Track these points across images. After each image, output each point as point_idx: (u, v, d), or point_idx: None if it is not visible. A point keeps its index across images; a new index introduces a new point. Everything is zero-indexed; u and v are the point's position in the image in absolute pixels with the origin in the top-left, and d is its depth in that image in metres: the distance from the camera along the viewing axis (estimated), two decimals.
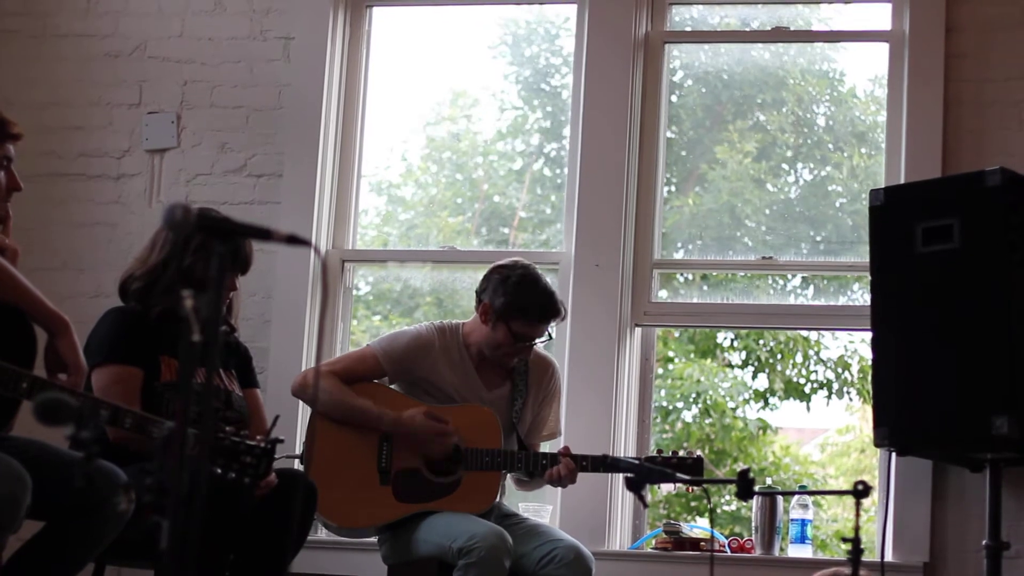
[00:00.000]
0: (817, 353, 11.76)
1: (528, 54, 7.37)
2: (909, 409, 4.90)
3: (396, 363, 4.89)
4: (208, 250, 4.32)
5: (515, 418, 4.91)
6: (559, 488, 4.94)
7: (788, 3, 5.96)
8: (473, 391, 4.92)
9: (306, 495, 4.39)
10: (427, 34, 6.34)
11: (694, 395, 11.35)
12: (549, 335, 4.92)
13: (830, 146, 6.27)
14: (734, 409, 11.64)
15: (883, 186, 5.39)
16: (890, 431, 4.92)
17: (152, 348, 4.32)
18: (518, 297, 4.82)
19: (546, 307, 4.84)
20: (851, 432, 12.96)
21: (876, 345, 5.02)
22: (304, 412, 5.47)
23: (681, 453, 4.88)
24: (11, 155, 3.96)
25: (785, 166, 6.49)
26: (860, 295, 6.11)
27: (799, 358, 11.79)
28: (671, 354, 11.26)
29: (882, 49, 5.76)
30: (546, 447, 5.10)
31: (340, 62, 5.96)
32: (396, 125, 6.62)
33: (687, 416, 11.55)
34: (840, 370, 11.75)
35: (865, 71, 6.32)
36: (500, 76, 7.53)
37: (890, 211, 5.03)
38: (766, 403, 11.83)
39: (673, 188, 6.00)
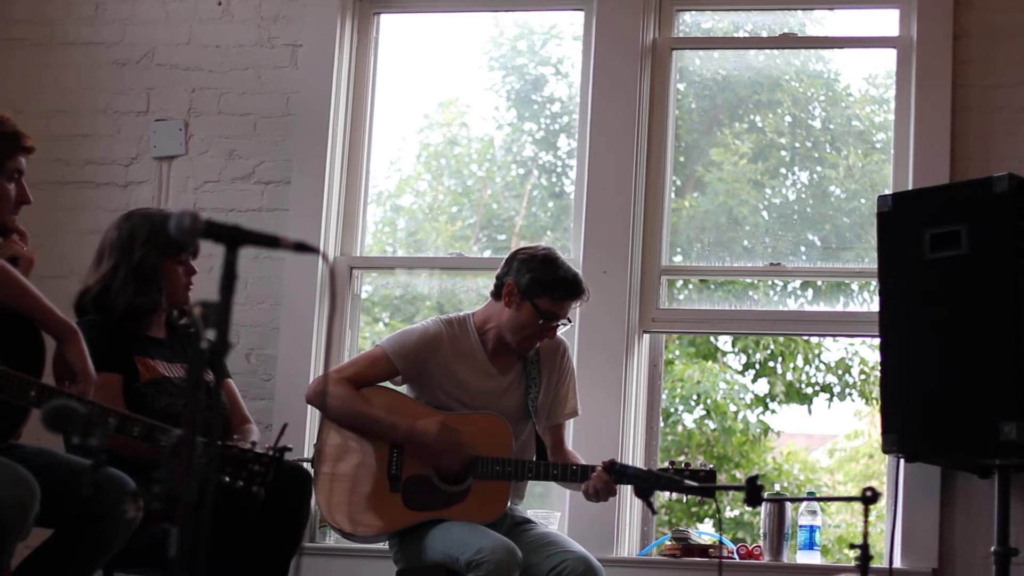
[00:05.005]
0: (818, 356, 11.75)
1: (530, 62, 7.38)
2: (918, 415, 4.90)
3: (407, 359, 4.87)
4: (154, 242, 4.36)
5: (531, 406, 4.89)
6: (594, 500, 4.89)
7: (794, 9, 5.96)
8: (488, 377, 4.89)
9: (299, 483, 4.39)
10: (434, 41, 6.34)
11: (695, 397, 11.35)
12: (568, 320, 4.92)
13: (827, 147, 6.27)
14: (735, 413, 11.63)
15: (888, 190, 5.39)
16: (899, 437, 4.92)
17: (125, 351, 4.35)
18: (544, 273, 4.80)
19: (572, 283, 4.81)
20: (860, 437, 12.95)
21: (884, 351, 5.02)
22: (313, 419, 5.48)
23: (694, 466, 4.85)
24: (22, 168, 3.97)
25: (783, 169, 6.49)
26: (860, 295, 6.11)
27: (800, 362, 11.79)
28: (671, 356, 11.26)
29: (889, 55, 5.76)
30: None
31: (348, 69, 5.96)
32: (404, 131, 6.62)
33: (688, 420, 11.55)
34: (841, 372, 11.75)
35: (860, 70, 6.32)
36: (501, 84, 7.53)
37: (898, 217, 5.02)
38: (766, 407, 11.82)
39: (672, 193, 6.00)
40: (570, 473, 4.79)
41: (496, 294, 4.92)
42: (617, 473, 4.62)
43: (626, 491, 5.42)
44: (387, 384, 4.95)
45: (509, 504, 4.83)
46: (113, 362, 4.30)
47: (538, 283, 4.79)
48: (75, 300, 4.50)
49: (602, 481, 4.70)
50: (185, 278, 4.50)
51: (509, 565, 4.48)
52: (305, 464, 5.04)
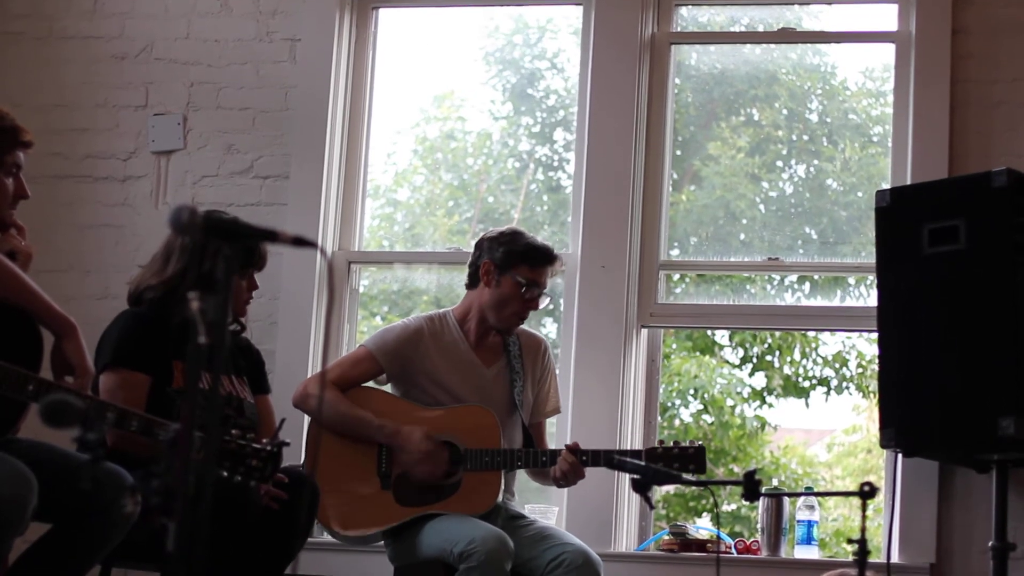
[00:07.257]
0: (815, 349, 11.75)
1: (526, 57, 7.38)
2: (915, 410, 4.90)
3: (391, 355, 4.89)
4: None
5: (517, 399, 4.90)
6: (565, 488, 4.93)
7: (792, 3, 5.95)
8: (471, 370, 4.91)
9: (309, 495, 4.38)
10: (430, 35, 6.34)
11: (692, 391, 11.35)
12: (549, 296, 4.93)
13: (824, 140, 6.26)
14: (732, 407, 11.63)
15: (884, 184, 5.38)
16: (897, 432, 4.92)
17: (165, 353, 4.30)
18: (517, 245, 4.88)
19: (545, 249, 4.90)
20: (858, 432, 12.96)
21: (882, 346, 5.02)
22: (308, 417, 5.48)
23: (683, 443, 4.87)
24: (20, 162, 3.97)
25: (779, 162, 6.49)
26: (857, 290, 6.10)
27: (797, 355, 11.78)
28: (667, 350, 11.24)
29: (886, 49, 5.76)
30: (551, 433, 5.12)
31: (346, 64, 5.96)
32: (400, 125, 6.63)
33: (685, 414, 11.54)
34: (838, 366, 11.74)
35: (856, 64, 6.32)
36: (497, 78, 7.53)
37: (896, 212, 5.02)
38: (763, 401, 11.82)
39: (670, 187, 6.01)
40: (542, 459, 4.80)
41: (471, 282, 4.96)
42: (616, 465, 4.62)
43: (624, 486, 5.42)
44: (371, 384, 4.97)
45: (501, 498, 4.83)
46: (146, 361, 4.28)
47: (513, 254, 4.86)
48: (131, 293, 4.45)
49: (568, 463, 4.72)
50: (247, 293, 4.50)
51: (500, 554, 4.49)
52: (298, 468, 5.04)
